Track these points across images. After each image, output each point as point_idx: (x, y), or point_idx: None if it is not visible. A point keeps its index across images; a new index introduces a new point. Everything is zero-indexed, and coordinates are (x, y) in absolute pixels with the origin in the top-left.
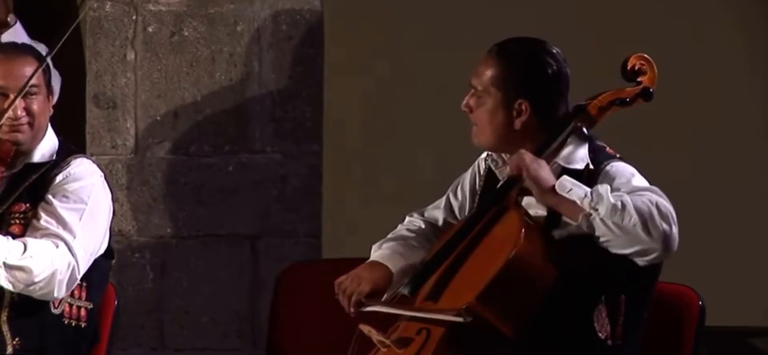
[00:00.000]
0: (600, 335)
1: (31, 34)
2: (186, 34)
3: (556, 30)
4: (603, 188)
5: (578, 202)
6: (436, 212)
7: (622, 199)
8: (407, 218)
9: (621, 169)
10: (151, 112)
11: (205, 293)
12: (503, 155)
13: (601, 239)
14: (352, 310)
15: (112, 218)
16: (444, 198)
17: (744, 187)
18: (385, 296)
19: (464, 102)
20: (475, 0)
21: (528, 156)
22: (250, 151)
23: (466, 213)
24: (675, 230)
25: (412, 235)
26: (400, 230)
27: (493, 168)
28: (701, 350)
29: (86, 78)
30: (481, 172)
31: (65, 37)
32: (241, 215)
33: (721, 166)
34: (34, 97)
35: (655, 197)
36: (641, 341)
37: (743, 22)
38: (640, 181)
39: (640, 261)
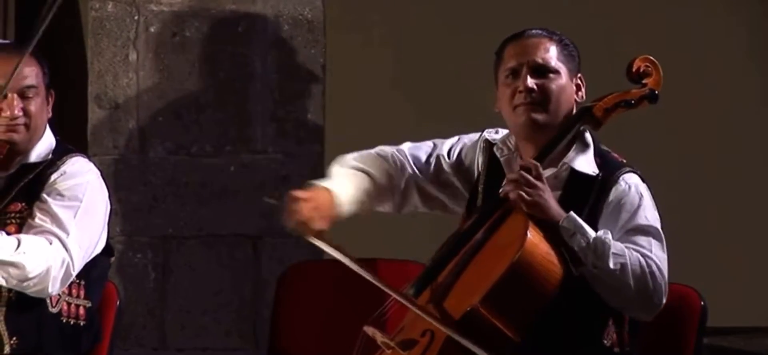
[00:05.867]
0: (606, 343)
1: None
2: (188, 34)
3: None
4: (606, 243)
5: (579, 254)
6: (420, 154)
7: (622, 262)
8: (388, 150)
9: (632, 193)
10: (152, 113)
11: (207, 293)
12: (511, 144)
13: (592, 285)
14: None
15: (114, 217)
16: (433, 149)
17: (745, 187)
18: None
19: (532, 81)
20: (479, 2)
21: (528, 181)
22: (252, 151)
23: (452, 182)
24: (663, 300)
25: (376, 169)
26: (370, 159)
27: (499, 156)
28: (703, 350)
29: (88, 78)
30: (480, 156)
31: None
32: (242, 215)
33: (722, 167)
34: (31, 98)
35: (654, 261)
36: (641, 345)
37: (745, 23)
38: (645, 215)
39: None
